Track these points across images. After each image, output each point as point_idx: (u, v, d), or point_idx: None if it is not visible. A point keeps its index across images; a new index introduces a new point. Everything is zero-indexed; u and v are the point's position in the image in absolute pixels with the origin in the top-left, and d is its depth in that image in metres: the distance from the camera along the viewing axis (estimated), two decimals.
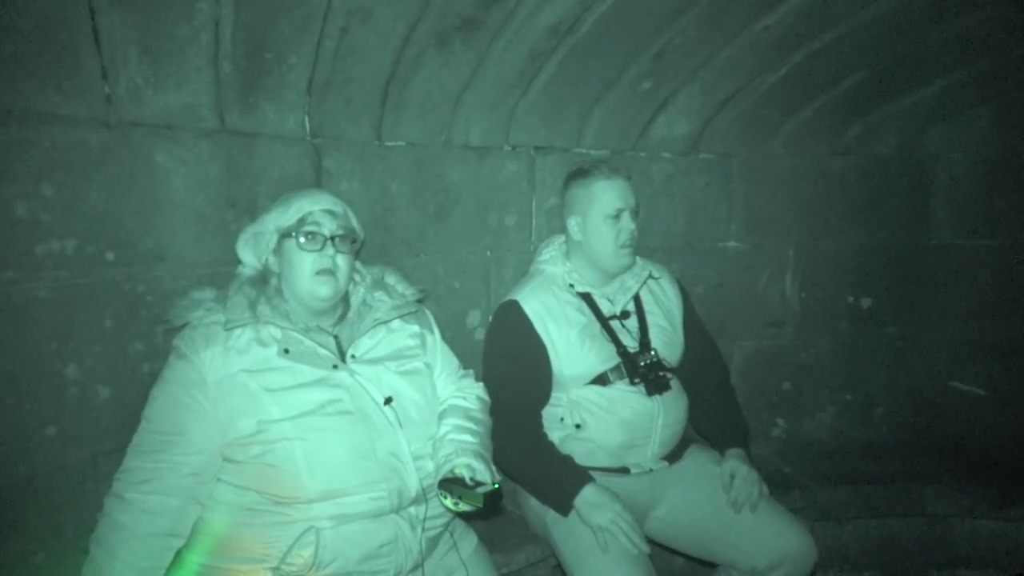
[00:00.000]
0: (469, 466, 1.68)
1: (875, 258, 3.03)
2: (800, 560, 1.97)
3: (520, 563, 2.23)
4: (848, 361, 3.06)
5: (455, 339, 2.40)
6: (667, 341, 2.24)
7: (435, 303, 2.44)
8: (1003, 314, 2.99)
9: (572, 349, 2.13)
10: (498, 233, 2.63)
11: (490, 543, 2.07)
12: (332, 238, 1.72)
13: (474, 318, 2.61)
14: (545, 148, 2.67)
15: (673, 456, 2.21)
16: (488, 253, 2.62)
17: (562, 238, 2.35)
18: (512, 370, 2.14)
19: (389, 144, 2.36)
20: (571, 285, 2.22)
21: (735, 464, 2.12)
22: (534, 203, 2.68)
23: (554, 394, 2.19)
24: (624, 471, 2.14)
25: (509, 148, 2.61)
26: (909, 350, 3.05)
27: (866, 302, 3.04)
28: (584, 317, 2.18)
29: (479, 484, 1.64)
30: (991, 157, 2.99)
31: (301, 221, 1.71)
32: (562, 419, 2.16)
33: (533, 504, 2.15)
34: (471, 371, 2.05)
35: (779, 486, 2.57)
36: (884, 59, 2.73)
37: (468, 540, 1.89)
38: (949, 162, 3.00)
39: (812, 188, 3.01)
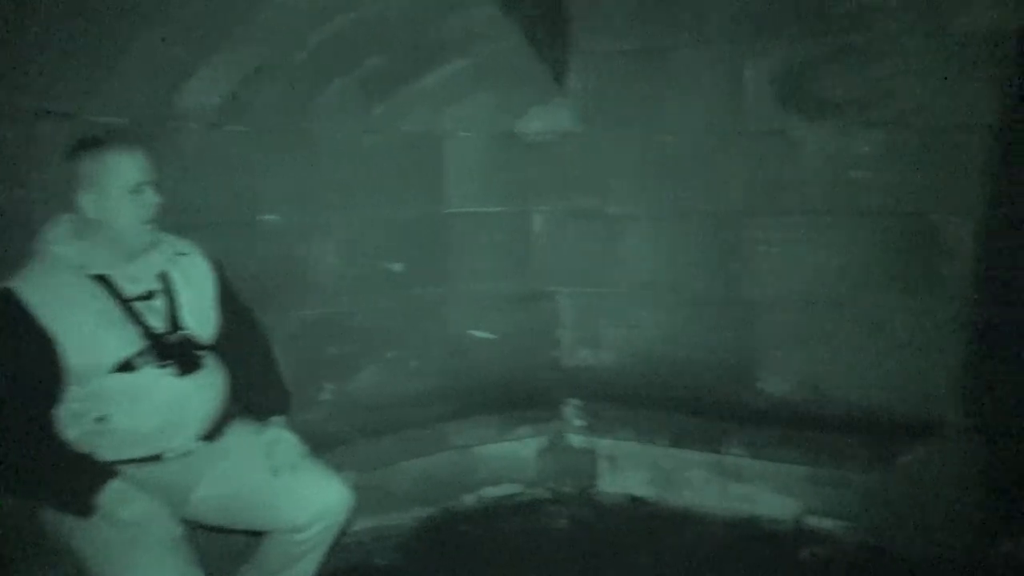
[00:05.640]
0: None
1: (405, 227, 3.34)
2: (337, 509, 2.13)
3: None
4: (388, 322, 3.34)
5: None
6: (200, 318, 2.19)
7: None
8: (510, 272, 3.55)
9: (86, 338, 1.94)
10: None
11: None
12: None
13: None
14: (46, 113, 2.36)
15: (212, 434, 2.18)
16: None
17: (69, 216, 2.11)
18: (5, 372, 1.87)
19: None
20: (82, 266, 2.02)
21: (275, 431, 2.19)
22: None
23: (70, 388, 1.98)
24: (156, 458, 2.05)
25: None
26: (437, 307, 3.45)
27: (398, 267, 3.34)
28: (99, 301, 2.00)
29: None
30: (494, 135, 3.49)
31: None
32: (79, 415, 1.97)
33: (49, 514, 1.93)
34: None
35: (326, 445, 2.70)
36: (400, 45, 3.00)
37: None
38: (459, 140, 3.43)
39: (349, 163, 3.19)
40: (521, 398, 3.39)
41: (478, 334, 3.51)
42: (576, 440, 3.36)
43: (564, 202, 3.51)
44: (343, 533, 2.26)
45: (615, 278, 3.49)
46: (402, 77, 3.17)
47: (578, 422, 3.33)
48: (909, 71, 2.94)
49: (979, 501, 2.87)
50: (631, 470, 3.30)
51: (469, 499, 3.25)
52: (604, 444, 3.33)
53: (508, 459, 3.30)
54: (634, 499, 3.29)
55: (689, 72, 3.27)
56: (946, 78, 2.88)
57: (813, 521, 3.03)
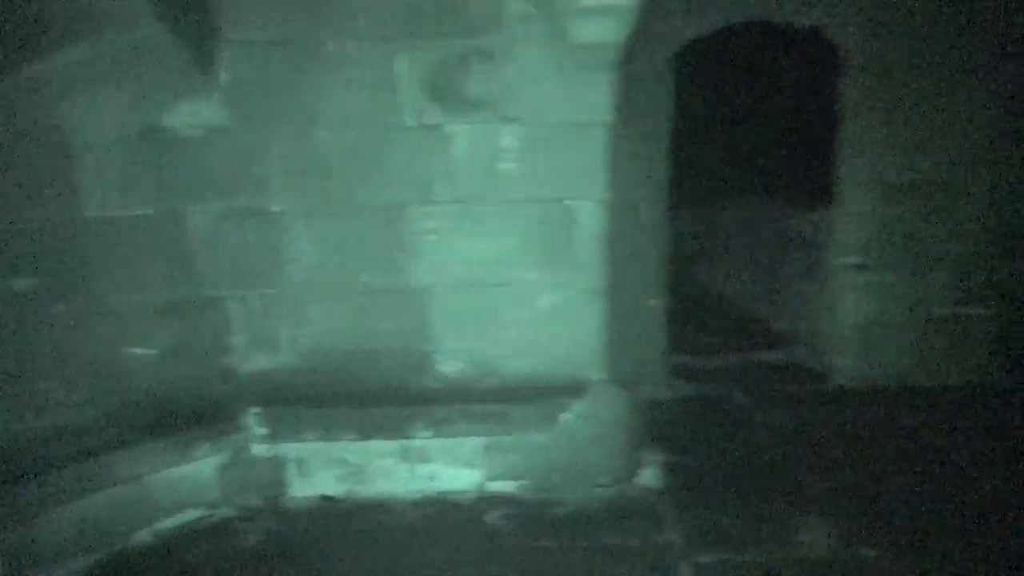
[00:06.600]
0: None
1: (31, 237, 2.86)
2: None
3: None
4: (18, 349, 2.86)
5: None
6: None
7: None
8: (166, 280, 3.23)
9: None
10: None
11: None
12: None
13: None
14: None
15: None
16: None
17: None
18: None
19: None
20: None
21: None
22: None
23: None
24: None
25: None
26: (81, 325, 3.01)
27: (23, 284, 2.86)
28: None
29: None
30: (135, 130, 3.11)
31: None
32: None
33: None
34: None
35: None
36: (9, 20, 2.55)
37: None
38: (92, 135, 2.99)
39: None
40: (194, 414, 3.14)
41: (136, 351, 3.14)
42: (260, 450, 3.21)
43: (222, 201, 3.28)
44: None
45: (285, 277, 3.37)
46: (9, 62, 2.69)
47: (260, 430, 3.19)
48: (534, 73, 3.30)
49: (622, 443, 3.40)
50: (321, 471, 3.26)
51: (143, 535, 2.92)
52: (290, 449, 3.23)
53: (186, 483, 3.03)
54: (326, 499, 3.26)
55: (343, 66, 3.27)
56: (566, 80, 3.30)
57: (495, 487, 3.30)
